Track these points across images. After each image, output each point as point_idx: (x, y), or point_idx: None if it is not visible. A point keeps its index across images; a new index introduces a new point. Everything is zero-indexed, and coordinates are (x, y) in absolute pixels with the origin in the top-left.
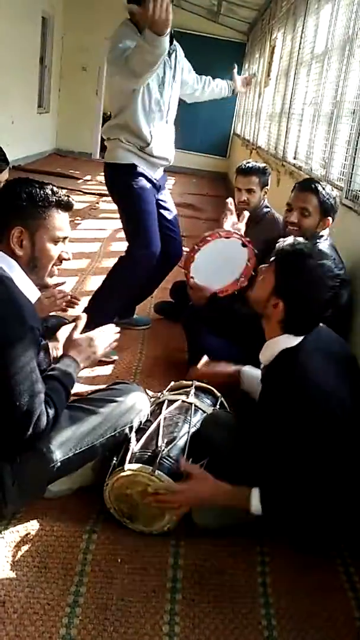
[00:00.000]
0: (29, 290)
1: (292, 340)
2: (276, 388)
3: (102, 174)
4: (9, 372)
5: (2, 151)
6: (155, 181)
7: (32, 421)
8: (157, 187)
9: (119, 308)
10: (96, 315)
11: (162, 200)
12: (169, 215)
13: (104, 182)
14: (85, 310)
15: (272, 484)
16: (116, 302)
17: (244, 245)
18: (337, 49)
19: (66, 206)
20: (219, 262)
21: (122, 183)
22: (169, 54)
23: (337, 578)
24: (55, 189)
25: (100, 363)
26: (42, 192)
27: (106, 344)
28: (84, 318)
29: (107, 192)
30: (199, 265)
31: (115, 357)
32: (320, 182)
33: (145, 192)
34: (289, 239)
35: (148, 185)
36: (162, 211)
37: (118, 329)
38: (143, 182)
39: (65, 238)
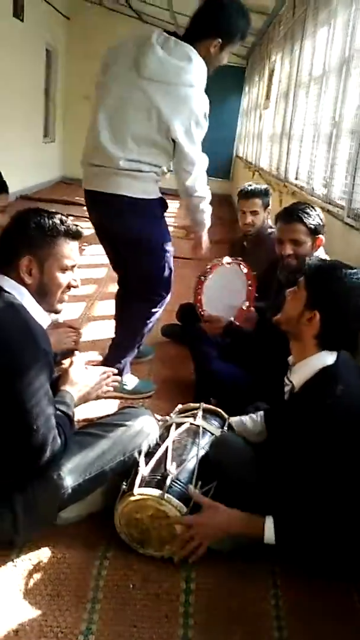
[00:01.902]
0: (40, 317)
1: (329, 358)
2: (314, 407)
3: None
4: (25, 395)
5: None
6: None
7: (49, 442)
8: None
9: (139, 346)
10: (119, 363)
11: None
12: None
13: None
14: (108, 357)
15: (289, 514)
16: (137, 346)
17: (242, 268)
18: (334, 70)
19: (75, 235)
20: (224, 291)
21: (155, 221)
22: None
23: (350, 601)
24: (63, 218)
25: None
26: (50, 221)
27: (98, 380)
28: (78, 354)
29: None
30: (208, 297)
31: (154, 388)
32: (301, 207)
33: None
34: (314, 259)
35: None
36: None
37: (115, 370)
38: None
39: (73, 266)
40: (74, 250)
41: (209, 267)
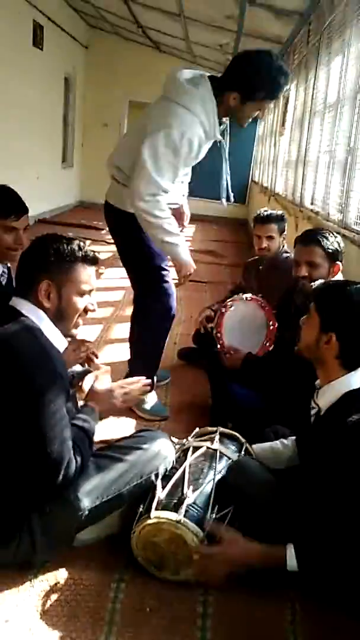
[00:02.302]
0: (57, 340)
1: (354, 381)
2: (338, 431)
3: None
4: (40, 419)
5: (18, 197)
6: None
7: (63, 467)
8: None
9: (158, 361)
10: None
11: None
12: None
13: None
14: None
15: (312, 539)
16: (155, 357)
17: (262, 307)
18: (348, 98)
19: (92, 261)
20: (243, 327)
21: (135, 234)
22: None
23: None
24: (81, 244)
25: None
26: (69, 247)
27: (127, 395)
28: (103, 369)
29: None
30: (227, 330)
31: (166, 414)
32: (321, 231)
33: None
34: (320, 283)
35: None
36: None
37: (148, 381)
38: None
39: (90, 291)
40: (92, 275)
41: (229, 301)
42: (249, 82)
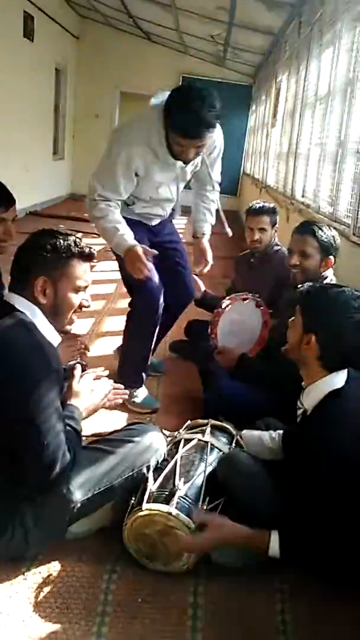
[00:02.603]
0: (51, 336)
1: (337, 381)
2: (323, 429)
3: None
4: (35, 412)
5: (5, 189)
6: (150, 227)
7: (59, 458)
8: (155, 232)
9: (146, 358)
10: (132, 374)
11: (165, 242)
12: (175, 257)
13: None
14: (119, 372)
15: (295, 530)
16: (141, 355)
17: (258, 306)
18: (339, 91)
19: (88, 257)
20: (239, 326)
21: None
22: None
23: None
24: (77, 240)
25: (141, 414)
26: (65, 243)
27: (106, 392)
28: (79, 368)
29: None
30: (223, 330)
31: (157, 406)
32: (318, 223)
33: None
34: (306, 286)
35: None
36: (168, 252)
37: (111, 381)
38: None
39: (86, 287)
40: (87, 271)
41: (227, 301)
42: (169, 104)
